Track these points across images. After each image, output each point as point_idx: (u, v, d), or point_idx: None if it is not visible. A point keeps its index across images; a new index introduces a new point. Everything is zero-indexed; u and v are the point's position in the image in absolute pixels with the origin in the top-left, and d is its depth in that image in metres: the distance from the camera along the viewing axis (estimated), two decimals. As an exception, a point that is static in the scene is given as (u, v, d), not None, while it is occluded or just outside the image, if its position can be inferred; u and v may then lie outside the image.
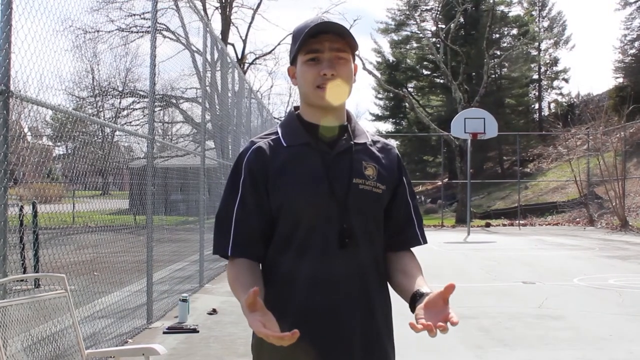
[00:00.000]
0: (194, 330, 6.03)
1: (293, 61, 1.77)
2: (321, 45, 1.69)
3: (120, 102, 25.02)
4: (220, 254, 1.76)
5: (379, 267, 1.79)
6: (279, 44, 38.78)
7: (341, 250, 1.68)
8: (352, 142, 1.77)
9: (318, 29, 1.68)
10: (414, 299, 1.67)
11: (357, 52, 1.79)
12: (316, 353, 1.66)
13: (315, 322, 1.66)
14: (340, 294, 1.68)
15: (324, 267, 1.67)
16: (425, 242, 1.88)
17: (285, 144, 1.75)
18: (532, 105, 44.46)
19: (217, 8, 29.32)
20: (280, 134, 1.79)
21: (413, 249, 1.88)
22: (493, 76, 40.03)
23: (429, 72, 42.81)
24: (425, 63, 42.17)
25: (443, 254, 13.90)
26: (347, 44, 1.71)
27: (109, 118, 24.29)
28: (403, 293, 1.75)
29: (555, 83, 44.25)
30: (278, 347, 1.54)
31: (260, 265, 1.77)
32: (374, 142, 1.84)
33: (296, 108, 1.85)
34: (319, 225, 1.68)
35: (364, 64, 32.31)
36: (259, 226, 1.72)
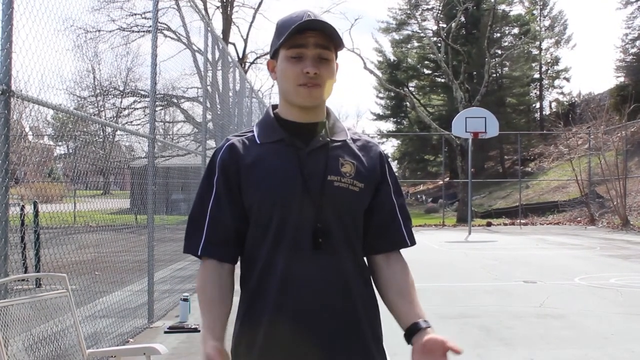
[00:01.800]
0: (195, 330, 6.03)
1: (274, 54, 1.72)
2: (306, 42, 1.64)
3: (121, 102, 25.06)
4: (191, 253, 1.71)
5: (363, 272, 1.73)
6: (279, 43, 38.82)
7: (316, 251, 1.62)
8: (329, 139, 1.71)
9: (305, 26, 1.62)
10: (410, 331, 1.64)
11: (339, 50, 1.73)
12: (290, 354, 1.61)
13: (290, 323, 1.61)
14: (317, 297, 1.62)
15: (298, 267, 1.61)
16: (413, 243, 1.80)
17: (259, 142, 1.71)
18: (533, 105, 44.45)
19: (218, 7, 29.35)
20: (255, 132, 1.75)
21: (407, 248, 1.80)
22: (494, 75, 40.03)
23: (430, 72, 42.81)
24: (426, 62, 42.17)
25: (444, 253, 13.90)
26: (332, 42, 1.67)
27: (110, 117, 24.31)
28: (398, 317, 1.70)
29: (557, 82, 44.25)
30: (252, 351, 1.58)
31: (239, 260, 1.73)
32: (354, 140, 1.77)
33: (274, 107, 1.80)
34: (292, 224, 1.63)
35: (365, 64, 32.32)
36: (233, 225, 1.67)
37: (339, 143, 1.73)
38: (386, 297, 1.75)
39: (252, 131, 1.76)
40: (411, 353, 1.60)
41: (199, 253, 1.68)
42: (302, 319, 1.61)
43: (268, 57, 1.80)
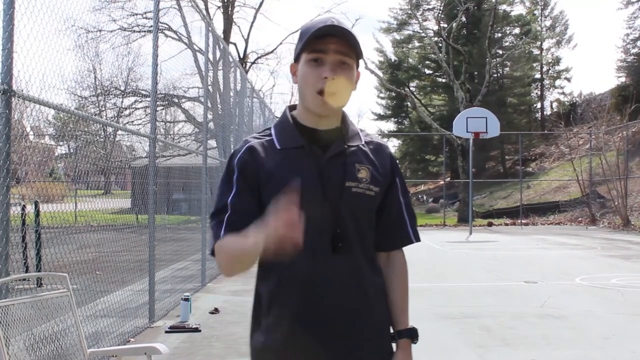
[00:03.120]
0: (196, 330, 6.03)
1: (297, 59, 1.75)
2: (326, 47, 1.66)
3: (122, 102, 25.06)
4: (217, 240, 1.68)
5: (373, 265, 1.78)
6: (280, 43, 38.92)
7: (335, 255, 1.67)
8: (346, 145, 1.74)
9: (325, 31, 1.64)
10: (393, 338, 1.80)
11: (360, 60, 1.75)
12: (313, 354, 1.65)
13: (312, 325, 1.64)
14: (337, 297, 1.66)
15: (318, 271, 1.65)
16: (417, 240, 1.86)
17: (278, 147, 1.72)
18: (534, 105, 44.41)
19: (219, 7, 29.33)
20: (273, 135, 1.76)
21: (409, 248, 1.86)
22: (495, 75, 40.01)
23: (431, 72, 42.80)
24: (427, 62, 42.16)
25: (445, 253, 13.89)
26: (352, 49, 1.68)
27: (111, 117, 24.33)
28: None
29: (558, 82, 44.20)
30: (273, 353, 1.61)
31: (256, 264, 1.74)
32: (367, 143, 1.81)
33: (291, 107, 1.82)
34: (311, 230, 1.63)
35: (366, 64, 32.33)
36: (256, 215, 1.64)
37: (354, 148, 1.76)
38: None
39: (270, 134, 1.77)
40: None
41: (221, 236, 1.66)
42: (323, 321, 1.65)
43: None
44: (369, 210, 1.74)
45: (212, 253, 1.71)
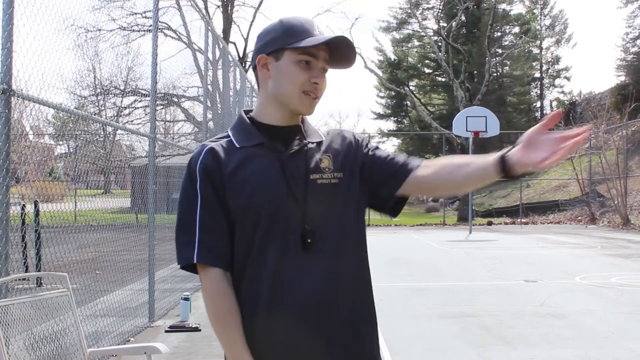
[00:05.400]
0: (196, 329, 6.03)
1: (272, 52, 1.69)
2: (317, 52, 1.66)
3: (121, 101, 25.08)
4: (188, 263, 1.63)
5: (360, 272, 1.72)
6: (280, 42, 38.83)
7: (305, 253, 1.61)
8: (305, 141, 1.71)
9: (334, 41, 1.64)
10: (502, 158, 1.54)
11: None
12: (284, 357, 1.61)
13: (284, 326, 1.60)
14: (309, 299, 1.60)
15: (288, 270, 1.60)
16: (419, 163, 1.74)
17: (238, 146, 1.68)
18: (534, 104, 44.45)
19: (218, 6, 29.36)
20: (232, 136, 1.72)
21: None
22: (495, 74, 40.02)
23: (430, 71, 42.82)
24: (426, 61, 42.19)
25: (445, 252, 13.89)
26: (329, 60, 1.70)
27: (111, 117, 24.33)
28: (477, 170, 1.61)
29: (557, 81, 44.26)
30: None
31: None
32: (325, 136, 1.78)
33: (246, 112, 1.78)
34: (279, 227, 1.61)
35: (365, 63, 32.32)
36: (227, 229, 1.63)
37: (314, 143, 1.73)
38: (455, 175, 1.67)
39: (227, 135, 1.73)
40: (520, 151, 1.51)
41: (194, 260, 1.62)
42: (295, 322, 1.60)
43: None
44: (339, 198, 1.67)
45: (185, 264, 1.65)
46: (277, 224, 1.62)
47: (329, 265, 1.63)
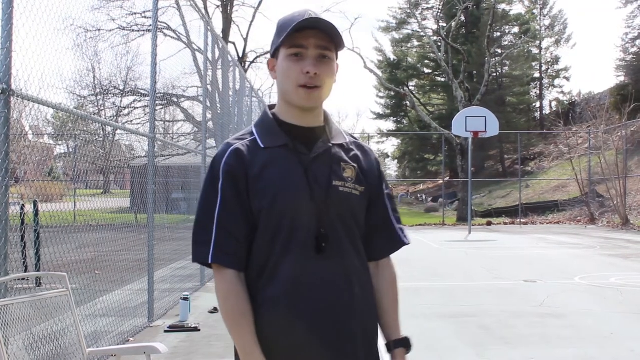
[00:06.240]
0: (196, 329, 6.03)
1: (274, 54, 1.71)
2: (306, 41, 1.63)
3: (121, 101, 25.07)
4: (200, 262, 1.66)
5: (366, 270, 1.76)
6: (280, 42, 38.84)
7: (320, 255, 1.63)
8: (330, 144, 1.72)
9: (305, 24, 1.61)
10: (388, 346, 1.80)
11: (340, 51, 1.72)
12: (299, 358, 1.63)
13: (300, 327, 1.62)
14: (324, 300, 1.63)
15: (305, 272, 1.62)
16: (408, 242, 1.86)
17: (262, 146, 1.69)
18: (533, 104, 44.48)
19: (218, 6, 29.33)
20: (256, 134, 1.72)
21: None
22: (494, 74, 40.04)
23: (430, 71, 42.85)
24: (426, 61, 42.22)
25: (444, 252, 13.90)
26: (332, 42, 1.66)
27: (110, 117, 24.33)
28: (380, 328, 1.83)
29: (557, 81, 44.29)
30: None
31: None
32: (351, 143, 1.79)
33: (271, 107, 1.79)
34: (300, 230, 1.63)
35: (365, 63, 32.32)
36: (244, 231, 1.64)
37: (339, 147, 1.74)
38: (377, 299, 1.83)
39: (252, 133, 1.73)
40: None
41: (209, 260, 1.63)
42: (310, 322, 1.62)
43: (269, 56, 1.79)
44: (356, 209, 1.72)
45: (200, 262, 1.67)
46: (297, 227, 1.64)
47: (340, 268, 1.66)
